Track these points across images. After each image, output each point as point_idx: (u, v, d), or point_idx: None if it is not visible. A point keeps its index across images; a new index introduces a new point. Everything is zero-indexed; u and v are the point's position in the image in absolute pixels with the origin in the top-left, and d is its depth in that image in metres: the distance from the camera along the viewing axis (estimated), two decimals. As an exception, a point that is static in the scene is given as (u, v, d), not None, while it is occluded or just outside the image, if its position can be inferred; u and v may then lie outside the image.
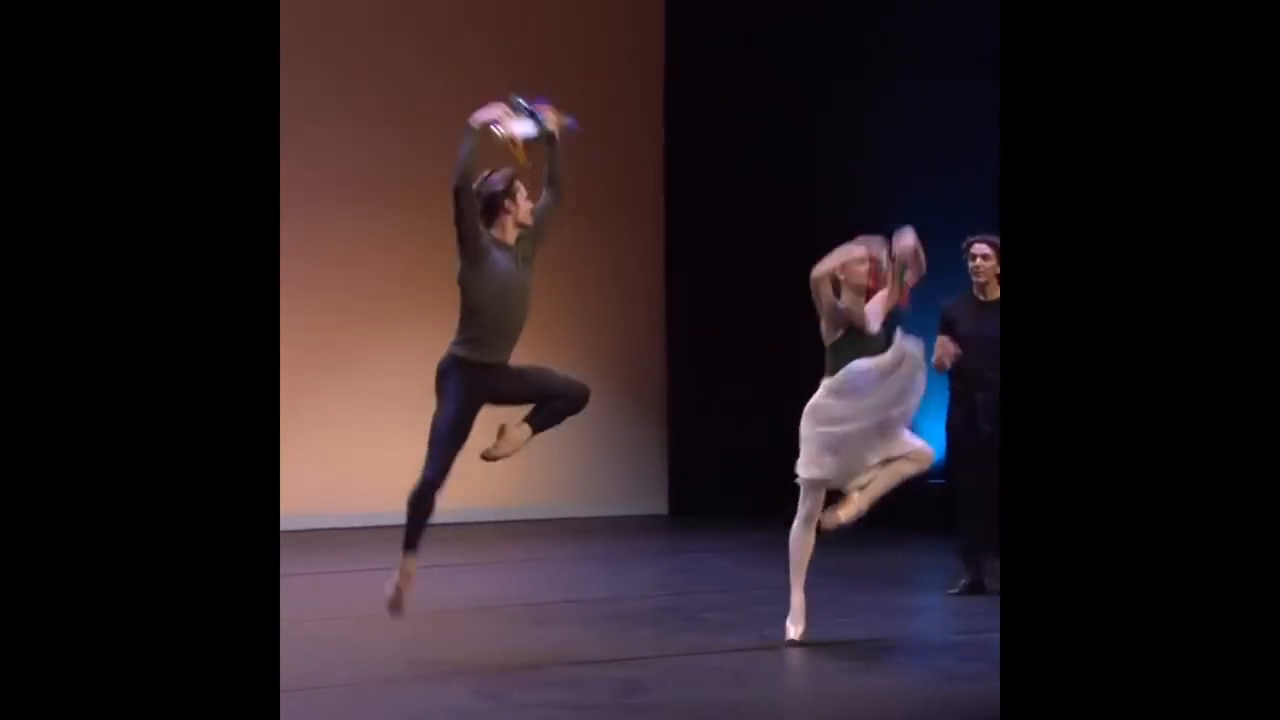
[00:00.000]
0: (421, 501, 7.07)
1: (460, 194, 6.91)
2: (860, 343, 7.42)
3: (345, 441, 12.28)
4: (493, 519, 12.04)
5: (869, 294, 7.46)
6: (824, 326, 7.47)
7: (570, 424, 7.28)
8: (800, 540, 7.40)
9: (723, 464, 12.90)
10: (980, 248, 9.01)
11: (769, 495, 12.63)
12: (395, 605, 7.15)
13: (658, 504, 13.30)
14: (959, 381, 9.05)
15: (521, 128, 7.03)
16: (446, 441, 7.05)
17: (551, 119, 7.11)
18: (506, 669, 6.94)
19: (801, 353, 12.12)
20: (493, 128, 6.99)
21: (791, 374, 12.66)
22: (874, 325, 7.49)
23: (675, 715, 6.24)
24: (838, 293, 7.46)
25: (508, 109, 7.02)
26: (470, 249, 7.01)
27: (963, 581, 9.00)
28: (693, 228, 13.05)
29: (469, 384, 7.06)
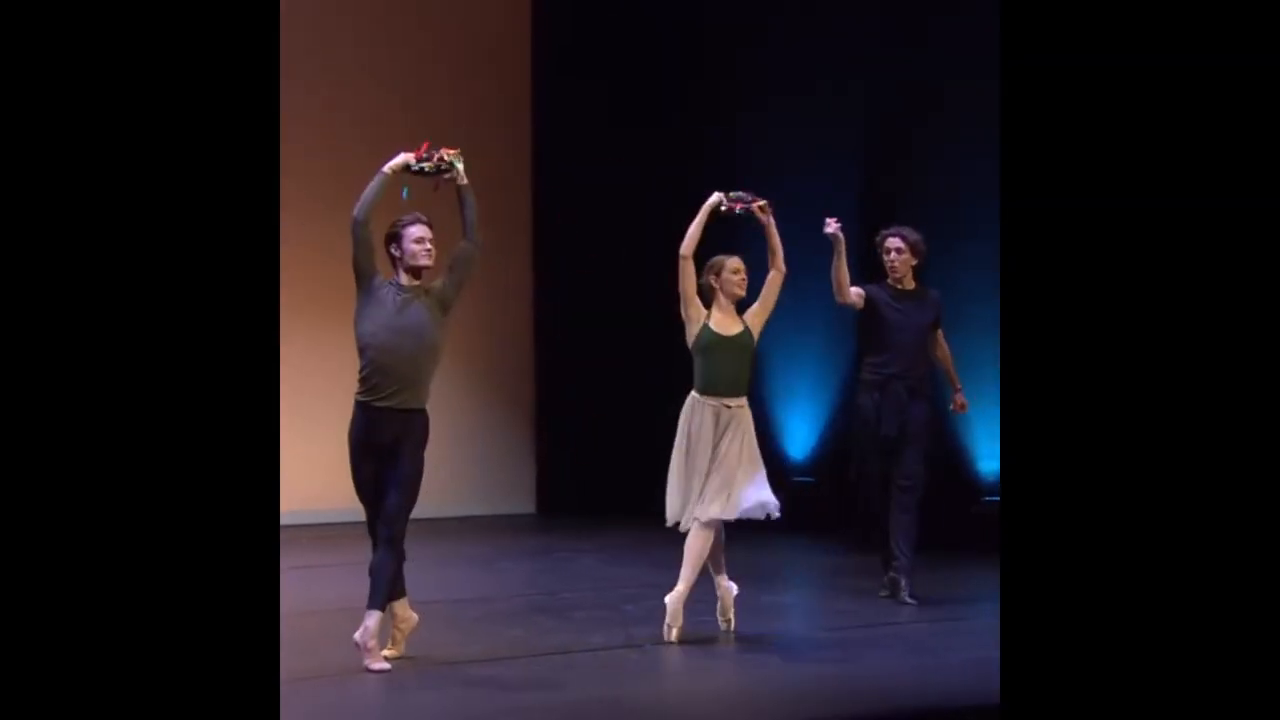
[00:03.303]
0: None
1: (353, 226, 6.91)
2: (721, 343, 7.52)
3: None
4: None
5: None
6: (688, 329, 7.57)
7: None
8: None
9: (590, 463, 12.94)
10: (894, 241, 8.62)
11: (636, 494, 12.72)
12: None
13: (525, 503, 13.31)
14: (875, 370, 8.58)
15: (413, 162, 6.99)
16: (361, 497, 7.12)
17: (460, 169, 7.08)
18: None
19: (667, 354, 12.23)
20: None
21: (657, 374, 12.75)
22: (736, 327, 7.60)
23: (544, 715, 6.28)
24: (710, 303, 7.58)
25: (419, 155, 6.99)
26: (361, 283, 7.00)
27: (892, 577, 8.57)
28: (560, 231, 13.12)
29: (360, 427, 7.03)
